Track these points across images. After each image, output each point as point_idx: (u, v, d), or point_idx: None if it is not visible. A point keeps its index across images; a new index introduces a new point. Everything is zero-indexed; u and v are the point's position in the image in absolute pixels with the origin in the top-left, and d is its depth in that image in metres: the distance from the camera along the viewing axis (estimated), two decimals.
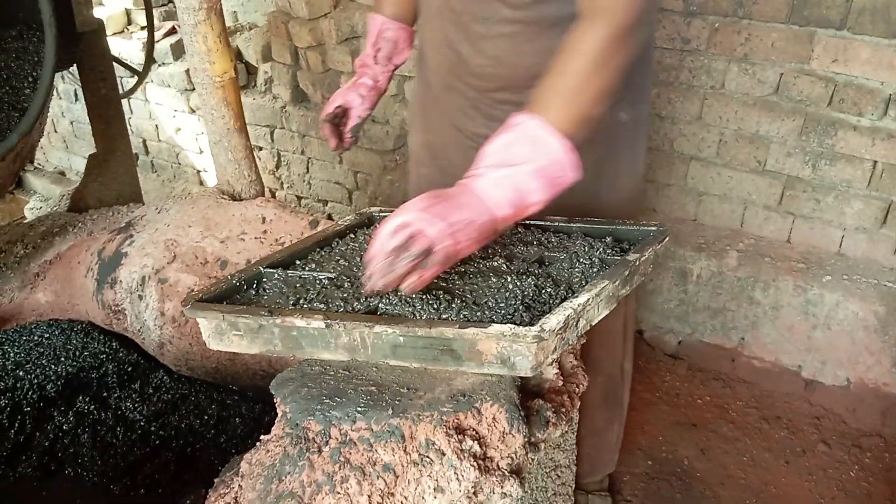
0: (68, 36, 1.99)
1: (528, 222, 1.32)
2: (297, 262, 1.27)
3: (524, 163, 1.06)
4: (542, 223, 1.31)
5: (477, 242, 1.06)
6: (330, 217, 1.86)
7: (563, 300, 1.01)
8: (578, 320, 1.02)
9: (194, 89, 3.58)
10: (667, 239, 1.19)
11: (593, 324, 1.07)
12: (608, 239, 1.23)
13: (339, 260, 1.26)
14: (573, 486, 1.52)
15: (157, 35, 3.53)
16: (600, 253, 1.18)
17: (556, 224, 1.30)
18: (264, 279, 1.22)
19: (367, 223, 1.42)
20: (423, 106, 1.64)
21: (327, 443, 0.97)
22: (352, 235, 1.37)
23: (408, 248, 1.00)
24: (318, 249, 1.31)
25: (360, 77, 1.64)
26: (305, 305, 1.09)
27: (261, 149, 3.56)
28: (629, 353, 1.87)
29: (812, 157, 2.31)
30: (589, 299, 1.00)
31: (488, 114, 1.43)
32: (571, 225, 1.29)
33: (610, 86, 1.12)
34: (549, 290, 1.07)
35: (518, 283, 1.08)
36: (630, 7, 1.10)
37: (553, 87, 1.10)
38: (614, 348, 1.79)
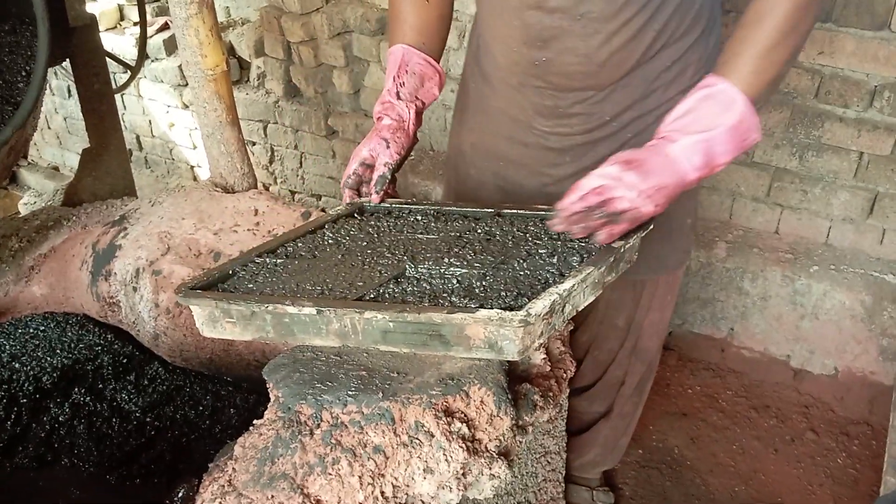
0: (61, 31, 2.00)
1: (510, 211, 1.34)
2: (290, 249, 1.29)
3: (715, 127, 1.11)
4: (527, 212, 1.33)
5: (664, 206, 1.14)
6: (323, 210, 1.88)
7: (548, 285, 1.03)
8: (564, 305, 1.04)
9: (187, 85, 3.58)
10: (651, 227, 1.21)
11: (579, 309, 1.09)
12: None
13: (331, 246, 1.28)
14: (563, 472, 1.55)
15: (150, 31, 3.53)
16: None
17: (544, 212, 1.32)
18: (257, 267, 1.24)
19: (359, 212, 1.43)
20: (480, 106, 1.54)
21: (319, 425, 0.99)
22: (343, 224, 1.38)
23: (601, 208, 1.11)
24: (308, 237, 1.33)
25: (382, 119, 1.41)
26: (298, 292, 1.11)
27: (254, 144, 3.57)
28: (663, 340, 1.88)
29: (799, 149, 2.34)
30: (574, 285, 1.03)
31: (565, 112, 1.41)
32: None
33: (796, 49, 1.15)
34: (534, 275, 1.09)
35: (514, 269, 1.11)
36: None
37: (742, 50, 1.13)
38: (661, 339, 1.81)
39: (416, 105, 1.41)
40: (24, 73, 1.86)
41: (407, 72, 1.41)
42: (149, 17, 3.43)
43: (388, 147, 1.37)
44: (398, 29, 1.43)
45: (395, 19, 1.45)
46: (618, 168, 1.12)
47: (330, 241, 1.31)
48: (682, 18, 1.32)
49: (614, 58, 1.32)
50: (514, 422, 1.04)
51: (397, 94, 1.40)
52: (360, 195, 1.43)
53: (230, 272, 1.21)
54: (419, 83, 1.42)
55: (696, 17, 1.34)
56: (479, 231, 1.28)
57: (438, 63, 1.46)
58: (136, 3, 3.15)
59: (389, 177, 1.38)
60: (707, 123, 1.12)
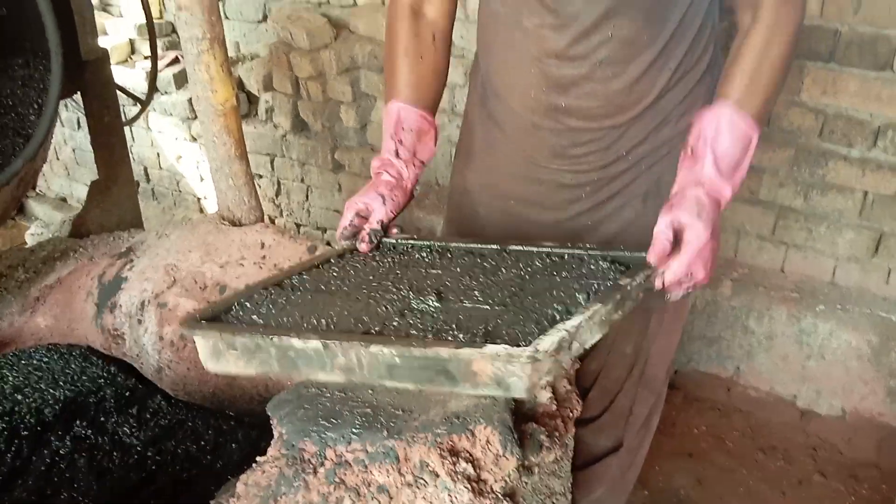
0: (73, 64, 2.03)
1: (515, 248, 1.34)
2: (295, 282, 1.29)
3: (745, 166, 1.25)
4: (532, 249, 1.33)
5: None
6: (328, 243, 1.89)
7: (555, 322, 1.03)
8: (572, 342, 1.03)
9: (196, 118, 3.62)
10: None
11: (586, 347, 1.08)
12: (605, 263, 1.25)
13: (333, 281, 1.27)
14: None
15: (160, 65, 3.58)
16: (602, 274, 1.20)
17: (549, 248, 1.32)
18: (261, 300, 1.23)
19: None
20: (489, 148, 1.55)
21: (323, 463, 0.98)
22: (349, 259, 1.38)
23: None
24: (314, 271, 1.33)
25: (380, 175, 1.39)
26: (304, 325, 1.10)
27: (261, 177, 3.60)
28: (670, 372, 1.87)
29: (804, 188, 2.35)
30: (582, 322, 1.02)
31: (581, 150, 1.43)
32: (564, 250, 1.31)
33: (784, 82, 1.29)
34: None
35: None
36: (804, 14, 1.27)
37: (754, 88, 1.25)
38: (669, 367, 1.79)
39: (414, 164, 1.42)
40: (35, 106, 1.88)
41: (403, 129, 1.41)
42: (159, 52, 3.48)
43: (384, 203, 1.36)
44: (393, 85, 1.44)
45: (390, 75, 1.46)
46: (712, 243, 1.20)
47: (335, 276, 1.31)
48: (693, 53, 1.37)
49: (633, 97, 1.34)
50: (519, 462, 1.03)
51: (396, 152, 1.40)
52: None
53: (235, 305, 1.21)
54: (416, 139, 1.42)
55: (704, 50, 1.39)
56: (485, 267, 1.28)
57: (433, 117, 1.47)
58: (147, 37, 3.20)
59: (381, 233, 1.38)
60: (741, 159, 1.25)
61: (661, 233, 1.19)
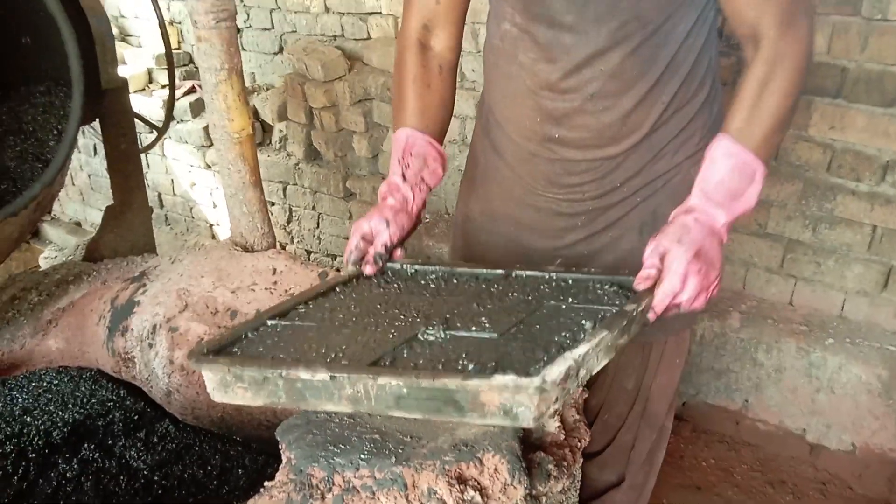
0: (94, 92, 2.07)
1: (521, 274, 1.35)
2: (301, 311, 1.29)
3: (750, 196, 1.25)
4: (538, 274, 1.34)
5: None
6: (338, 270, 1.91)
7: (561, 350, 1.03)
8: (579, 370, 1.03)
9: (211, 146, 3.68)
10: None
11: (593, 373, 1.08)
12: (610, 287, 1.26)
13: (345, 308, 1.28)
14: None
15: (177, 94, 3.64)
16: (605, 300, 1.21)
17: (555, 274, 1.33)
18: (268, 331, 1.24)
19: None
20: (490, 176, 1.59)
21: (330, 489, 0.98)
22: (355, 286, 1.39)
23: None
24: (321, 299, 1.34)
25: (386, 199, 1.42)
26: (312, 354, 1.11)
27: (273, 204, 3.64)
28: (673, 407, 1.86)
29: (812, 221, 2.36)
30: (589, 350, 1.02)
31: (576, 180, 1.46)
32: (569, 276, 1.31)
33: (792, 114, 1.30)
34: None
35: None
36: (811, 48, 1.26)
37: (755, 121, 1.25)
38: (670, 403, 1.79)
39: (419, 188, 1.43)
40: (55, 132, 1.92)
41: (412, 154, 1.44)
42: (176, 81, 3.54)
43: (388, 227, 1.38)
44: (401, 114, 1.48)
45: (398, 104, 1.50)
46: (697, 265, 1.18)
47: (341, 303, 1.31)
48: (688, 88, 1.39)
49: (625, 130, 1.37)
50: (527, 491, 1.03)
51: (403, 176, 1.43)
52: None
53: (242, 336, 1.21)
54: (423, 164, 1.44)
55: (700, 85, 1.41)
56: (492, 293, 1.28)
57: (441, 144, 1.50)
58: (165, 67, 3.26)
59: (386, 257, 1.39)
60: (742, 192, 1.24)
61: (647, 259, 1.21)
